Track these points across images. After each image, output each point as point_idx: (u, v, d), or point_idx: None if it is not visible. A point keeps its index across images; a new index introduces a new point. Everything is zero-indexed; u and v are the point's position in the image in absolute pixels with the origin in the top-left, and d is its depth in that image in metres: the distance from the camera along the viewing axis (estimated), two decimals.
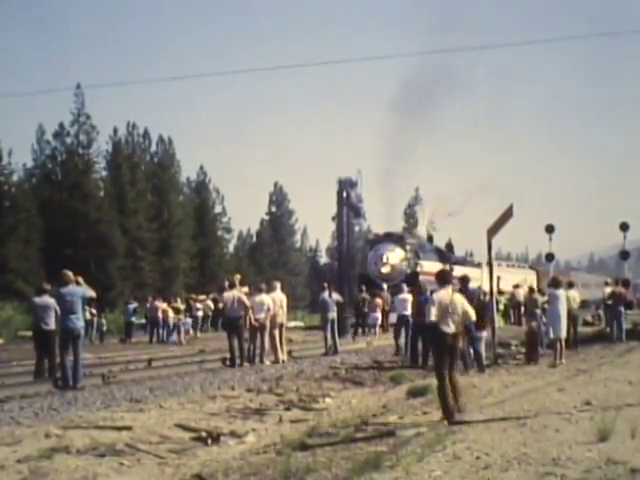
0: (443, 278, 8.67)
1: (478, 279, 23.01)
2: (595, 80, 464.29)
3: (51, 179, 44.80)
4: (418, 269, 30.02)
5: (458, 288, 10.08)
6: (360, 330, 25.28)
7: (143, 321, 28.23)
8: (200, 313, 27.91)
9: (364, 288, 27.11)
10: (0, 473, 6.07)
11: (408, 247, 31.30)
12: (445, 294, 8.18)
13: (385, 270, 30.29)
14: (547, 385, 10.27)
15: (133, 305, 26.33)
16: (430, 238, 36.83)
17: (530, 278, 38.62)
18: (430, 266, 31.29)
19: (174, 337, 24.44)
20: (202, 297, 29.81)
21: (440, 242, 37.65)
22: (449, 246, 36.86)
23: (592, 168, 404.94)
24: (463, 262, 35.44)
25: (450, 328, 8.01)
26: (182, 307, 26.44)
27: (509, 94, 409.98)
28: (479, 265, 36.28)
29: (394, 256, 30.53)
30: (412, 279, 27.43)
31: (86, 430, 7.75)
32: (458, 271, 31.80)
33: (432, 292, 9.84)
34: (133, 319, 26.15)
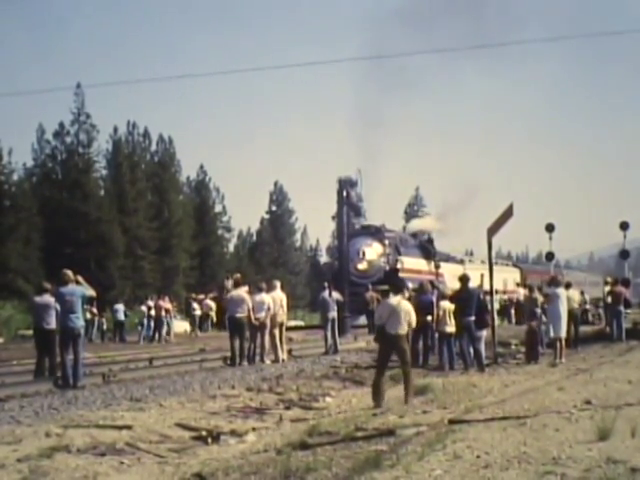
0: (397, 288, 10.80)
1: None
2: (596, 79, 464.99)
3: (51, 178, 44.84)
4: (398, 266, 27.93)
5: (407, 297, 11.79)
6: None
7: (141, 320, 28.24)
8: (198, 312, 27.92)
9: (370, 286, 25.78)
10: (0, 472, 6.07)
11: (387, 241, 28.90)
12: (394, 300, 9.43)
13: (362, 266, 28.11)
14: (547, 384, 10.27)
15: (120, 306, 26.15)
16: (414, 234, 35.19)
17: (514, 276, 38.33)
18: (412, 263, 29.51)
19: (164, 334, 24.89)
20: (201, 296, 29.81)
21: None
22: (429, 241, 35.24)
23: (592, 168, 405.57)
24: (446, 259, 33.99)
25: (395, 330, 9.13)
26: (169, 306, 26.59)
27: (509, 93, 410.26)
28: (462, 262, 35.81)
29: (371, 251, 28.46)
30: (391, 276, 25.57)
31: (86, 429, 7.75)
32: (443, 268, 31.41)
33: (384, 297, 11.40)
34: (122, 319, 25.95)
